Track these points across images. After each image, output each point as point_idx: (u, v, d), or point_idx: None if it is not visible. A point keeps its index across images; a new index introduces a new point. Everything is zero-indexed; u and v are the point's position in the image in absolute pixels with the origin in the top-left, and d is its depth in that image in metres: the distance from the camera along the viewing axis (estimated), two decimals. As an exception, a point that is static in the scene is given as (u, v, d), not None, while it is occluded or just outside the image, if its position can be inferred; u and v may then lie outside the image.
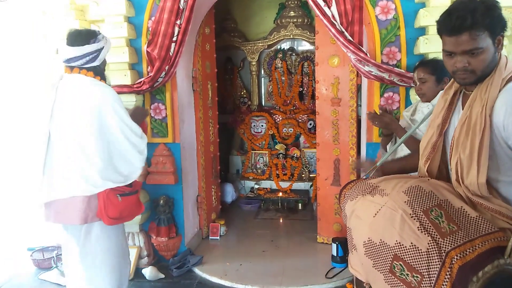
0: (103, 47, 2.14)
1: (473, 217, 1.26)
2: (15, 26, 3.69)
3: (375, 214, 1.39)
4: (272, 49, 5.30)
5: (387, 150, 2.38)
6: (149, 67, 3.02)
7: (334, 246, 3.19)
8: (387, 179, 1.55)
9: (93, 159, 2.03)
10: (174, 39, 2.91)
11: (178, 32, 2.91)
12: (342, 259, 3.16)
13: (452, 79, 1.52)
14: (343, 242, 3.16)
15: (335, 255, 3.19)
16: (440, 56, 2.42)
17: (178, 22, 2.89)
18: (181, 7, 2.87)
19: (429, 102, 2.21)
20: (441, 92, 2.12)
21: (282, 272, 3.15)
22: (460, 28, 1.27)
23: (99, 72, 2.16)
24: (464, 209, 1.29)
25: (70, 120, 2.04)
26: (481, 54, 1.29)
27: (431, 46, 2.64)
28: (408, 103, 2.85)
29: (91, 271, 2.15)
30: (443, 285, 1.16)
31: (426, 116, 1.83)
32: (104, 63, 2.23)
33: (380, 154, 2.93)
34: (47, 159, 2.08)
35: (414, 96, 2.81)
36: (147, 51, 2.95)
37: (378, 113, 2.30)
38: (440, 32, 1.36)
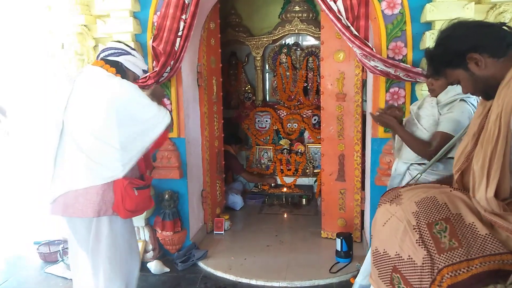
0: (133, 54, 2.22)
1: (482, 235, 1.17)
2: (20, 21, 3.70)
3: (385, 223, 1.36)
4: (277, 44, 5.29)
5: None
6: (154, 62, 3.03)
7: (338, 241, 3.20)
8: (413, 188, 1.47)
9: (112, 146, 2.04)
10: (180, 34, 2.91)
11: (184, 27, 2.91)
12: (346, 254, 3.17)
13: None
14: (347, 237, 3.17)
15: (339, 250, 3.19)
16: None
17: (183, 17, 2.89)
18: (186, 2, 2.87)
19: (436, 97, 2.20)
20: (449, 87, 2.11)
21: (286, 267, 3.16)
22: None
23: (121, 71, 2.18)
24: (474, 225, 1.20)
25: (87, 111, 2.04)
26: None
27: (438, 41, 2.63)
28: (413, 98, 2.84)
29: (99, 267, 2.15)
30: None
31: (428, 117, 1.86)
32: (133, 75, 2.26)
33: (385, 148, 2.93)
34: (59, 151, 2.09)
35: (420, 91, 2.80)
36: (152, 46, 2.96)
37: (378, 112, 2.29)
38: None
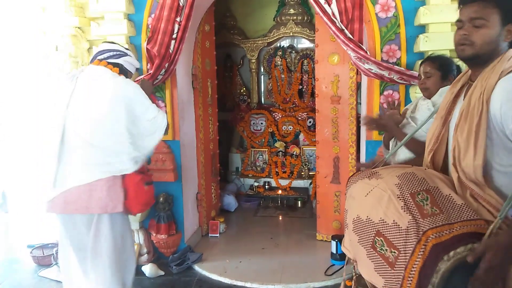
0: (130, 55, 2.30)
1: (458, 204, 1.31)
2: (15, 22, 3.68)
3: (367, 194, 1.47)
4: (271, 46, 5.29)
5: (389, 147, 2.37)
6: (148, 64, 3.02)
7: (333, 243, 3.20)
8: (388, 167, 1.63)
9: (119, 143, 2.10)
10: (174, 36, 2.91)
11: (178, 29, 2.91)
12: (342, 256, 3.17)
13: (460, 75, 1.55)
14: (342, 240, 3.17)
15: (335, 252, 3.20)
16: (445, 53, 2.45)
17: (178, 19, 2.89)
18: (181, 4, 2.86)
19: (430, 98, 2.21)
20: (441, 89, 2.13)
21: (281, 270, 3.16)
22: None
23: (123, 72, 2.25)
24: (451, 196, 1.34)
25: (91, 107, 2.07)
26: (484, 28, 1.35)
27: (431, 44, 2.65)
28: (408, 101, 2.86)
29: (98, 266, 2.14)
30: (416, 260, 1.21)
31: (430, 116, 1.83)
32: (130, 75, 2.34)
33: (380, 151, 2.94)
34: (61, 148, 2.09)
35: (413, 94, 2.81)
36: (147, 48, 2.95)
37: (376, 116, 2.29)
38: (458, 4, 1.46)
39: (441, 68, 2.17)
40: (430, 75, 2.19)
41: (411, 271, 1.22)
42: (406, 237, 1.26)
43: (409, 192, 1.35)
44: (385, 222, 1.33)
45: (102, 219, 2.10)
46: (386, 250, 1.31)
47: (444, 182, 1.40)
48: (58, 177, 2.09)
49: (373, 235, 1.36)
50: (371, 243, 1.37)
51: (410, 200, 1.32)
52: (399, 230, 1.28)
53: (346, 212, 1.65)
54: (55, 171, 2.09)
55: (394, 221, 1.31)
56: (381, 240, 1.33)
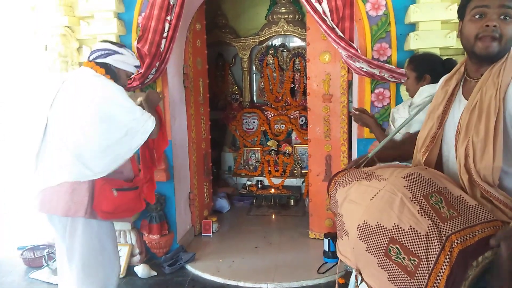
0: (121, 53, 2.21)
1: (472, 205, 1.24)
2: (4, 22, 3.64)
3: (373, 197, 1.36)
4: (263, 45, 5.30)
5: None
6: (139, 63, 2.99)
7: (326, 241, 3.21)
8: (382, 167, 1.53)
9: (91, 147, 2.05)
10: (165, 35, 2.90)
11: (169, 28, 2.89)
12: (334, 254, 3.18)
13: (447, 74, 1.50)
14: (334, 237, 3.17)
15: (327, 250, 3.21)
16: (431, 51, 2.46)
17: (168, 18, 2.87)
18: (171, 3, 2.85)
19: (412, 98, 2.23)
20: (421, 88, 2.13)
21: (274, 268, 3.16)
22: None
23: (111, 72, 2.18)
24: (463, 197, 1.27)
25: (71, 108, 2.05)
26: (511, 23, 1.24)
27: (421, 42, 2.66)
28: (398, 99, 2.87)
29: (75, 270, 2.12)
30: (441, 269, 1.13)
31: (412, 117, 1.84)
32: (124, 73, 2.27)
33: (371, 149, 2.95)
34: (42, 147, 2.09)
35: (404, 92, 2.82)
36: (137, 47, 2.93)
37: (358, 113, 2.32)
38: None
39: (416, 69, 2.20)
40: (407, 76, 2.23)
41: (436, 280, 1.14)
42: (427, 243, 1.17)
43: (422, 194, 1.27)
44: (400, 228, 1.23)
45: (76, 221, 2.08)
46: (404, 258, 1.22)
47: (451, 182, 1.34)
48: (37, 177, 2.11)
49: (386, 242, 1.26)
50: (383, 251, 1.27)
51: (425, 203, 1.24)
52: (417, 236, 1.19)
53: (340, 216, 1.52)
54: (34, 170, 2.10)
55: (411, 226, 1.21)
56: (396, 247, 1.23)
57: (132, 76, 2.90)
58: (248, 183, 4.98)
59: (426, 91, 2.07)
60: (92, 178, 2.06)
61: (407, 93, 2.33)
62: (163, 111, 3.22)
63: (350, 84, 3.42)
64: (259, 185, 4.91)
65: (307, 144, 3.79)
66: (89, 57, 2.20)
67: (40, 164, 2.12)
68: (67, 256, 2.13)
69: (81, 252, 2.10)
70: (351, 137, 3.42)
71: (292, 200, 4.71)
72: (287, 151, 4.97)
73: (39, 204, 2.10)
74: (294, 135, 5.09)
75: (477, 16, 1.30)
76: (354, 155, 3.28)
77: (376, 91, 2.92)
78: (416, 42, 2.66)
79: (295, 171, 4.89)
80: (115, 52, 2.20)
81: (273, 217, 4.40)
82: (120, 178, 2.19)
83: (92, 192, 2.06)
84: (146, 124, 2.12)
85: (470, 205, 1.25)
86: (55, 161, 2.07)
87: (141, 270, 3.11)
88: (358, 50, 2.72)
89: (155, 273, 3.14)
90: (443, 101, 1.46)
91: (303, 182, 4.77)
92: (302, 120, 5.02)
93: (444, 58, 2.28)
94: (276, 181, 4.85)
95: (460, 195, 1.28)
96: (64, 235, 2.12)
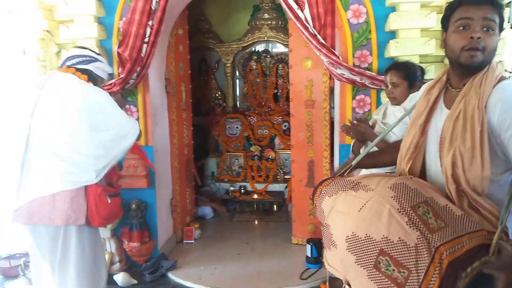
0: (101, 60, 2.24)
1: (459, 215, 1.25)
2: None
3: (361, 208, 1.35)
4: (246, 51, 5.29)
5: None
6: (120, 68, 2.96)
7: (308, 247, 3.21)
8: (367, 176, 1.52)
9: (85, 152, 2.04)
10: (146, 40, 2.86)
11: (150, 33, 2.86)
12: (317, 260, 3.18)
13: (429, 83, 1.52)
14: (317, 243, 3.19)
15: (310, 256, 3.21)
16: (411, 59, 2.50)
17: (150, 23, 2.85)
18: (153, 8, 2.82)
19: (399, 105, 2.25)
20: (411, 95, 2.16)
21: (257, 275, 3.14)
22: None
23: (92, 78, 2.19)
24: (449, 207, 1.28)
25: (56, 115, 2.01)
26: (493, 35, 1.29)
27: (401, 49, 2.70)
28: (379, 105, 2.89)
29: (66, 280, 2.07)
30: (431, 280, 1.14)
31: (400, 120, 1.86)
32: (101, 80, 2.30)
33: (351, 156, 2.97)
34: (26, 156, 2.03)
35: (385, 99, 2.84)
36: (118, 52, 2.89)
37: (350, 124, 2.31)
38: (458, 3, 1.34)
39: (407, 77, 2.23)
40: (397, 85, 2.24)
41: None
42: (416, 255, 1.18)
43: (409, 205, 1.27)
44: (389, 239, 1.23)
45: (69, 230, 2.03)
46: (393, 270, 1.22)
47: (436, 191, 1.34)
48: (22, 187, 2.03)
49: (376, 254, 1.26)
50: (373, 263, 1.27)
51: (413, 214, 1.24)
52: (407, 248, 1.20)
53: (327, 227, 1.50)
54: (18, 181, 2.02)
55: (400, 238, 1.22)
56: (386, 259, 1.24)
57: (113, 81, 2.87)
58: (231, 188, 4.95)
59: (418, 97, 2.10)
60: (91, 183, 2.06)
61: (389, 100, 2.34)
62: (145, 116, 3.18)
63: (332, 90, 3.44)
64: (242, 191, 4.89)
65: (290, 149, 3.80)
66: (65, 62, 2.16)
67: (25, 174, 2.03)
68: (58, 268, 2.07)
69: (75, 262, 2.06)
70: (333, 143, 3.45)
71: (275, 206, 4.71)
72: (270, 157, 4.97)
73: (25, 217, 2.01)
74: (277, 141, 5.10)
75: (461, 28, 1.32)
76: (336, 161, 3.30)
77: (357, 97, 2.95)
78: (396, 50, 2.70)
79: (278, 177, 4.89)
80: (96, 60, 2.21)
81: (256, 223, 4.38)
82: (102, 183, 2.17)
83: (87, 199, 2.05)
84: (135, 126, 2.23)
85: (456, 215, 1.26)
86: (47, 171, 2.01)
87: (121, 278, 3.05)
88: (340, 57, 2.74)
89: (135, 282, 3.09)
90: (426, 110, 1.48)
91: (286, 187, 4.77)
92: (285, 126, 5.03)
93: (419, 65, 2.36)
94: (259, 186, 4.84)
95: (446, 204, 1.29)
96: (53, 248, 2.05)
